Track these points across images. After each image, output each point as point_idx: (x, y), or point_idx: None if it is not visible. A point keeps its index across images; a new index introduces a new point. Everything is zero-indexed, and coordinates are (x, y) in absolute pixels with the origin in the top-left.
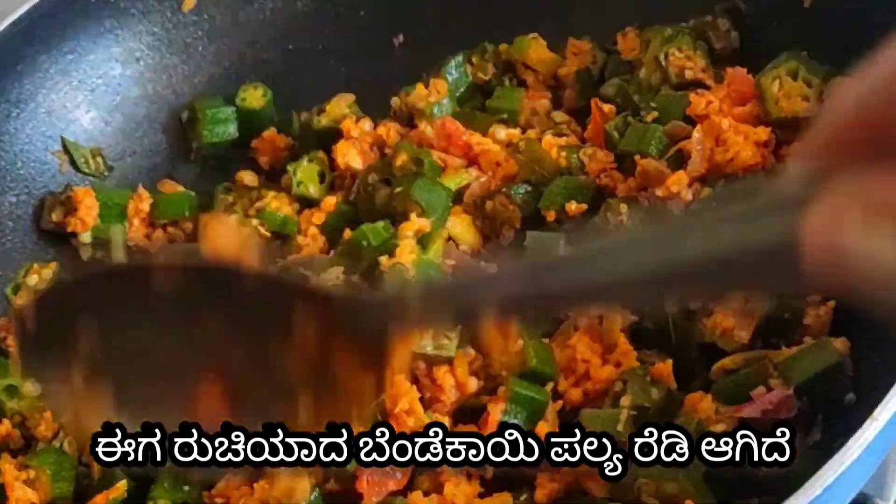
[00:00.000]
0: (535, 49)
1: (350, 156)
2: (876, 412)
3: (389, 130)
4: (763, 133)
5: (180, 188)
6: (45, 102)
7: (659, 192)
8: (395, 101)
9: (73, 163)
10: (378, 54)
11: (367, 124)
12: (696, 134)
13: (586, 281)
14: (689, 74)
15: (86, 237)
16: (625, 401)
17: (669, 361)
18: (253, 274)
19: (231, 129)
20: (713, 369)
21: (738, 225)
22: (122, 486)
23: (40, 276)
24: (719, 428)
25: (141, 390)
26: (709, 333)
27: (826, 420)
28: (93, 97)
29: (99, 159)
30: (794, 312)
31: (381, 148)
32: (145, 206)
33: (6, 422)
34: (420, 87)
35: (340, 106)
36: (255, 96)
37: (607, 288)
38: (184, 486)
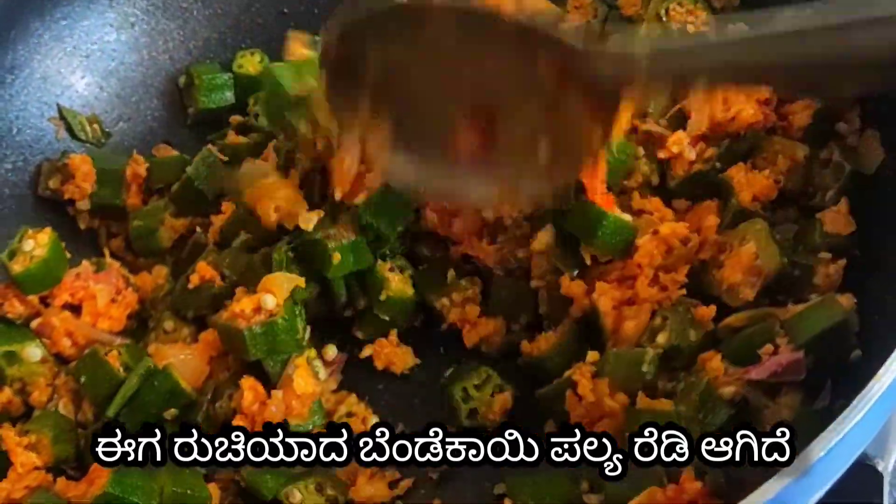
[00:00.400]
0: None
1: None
2: (880, 373)
3: None
4: (765, 91)
5: (175, 152)
6: (39, 69)
7: (661, 154)
8: None
9: (69, 130)
10: None
11: None
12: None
13: (783, 57)
14: (691, 29)
15: (83, 204)
16: (661, 338)
17: (713, 306)
18: (508, 17)
19: (228, 95)
20: (720, 326)
21: None
22: None
23: (36, 240)
24: (728, 391)
25: (413, 120)
26: (716, 287)
27: (834, 385)
28: (88, 63)
29: (96, 126)
30: (804, 270)
31: None
32: (142, 172)
33: (7, 389)
34: None
35: None
36: (251, 62)
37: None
38: None
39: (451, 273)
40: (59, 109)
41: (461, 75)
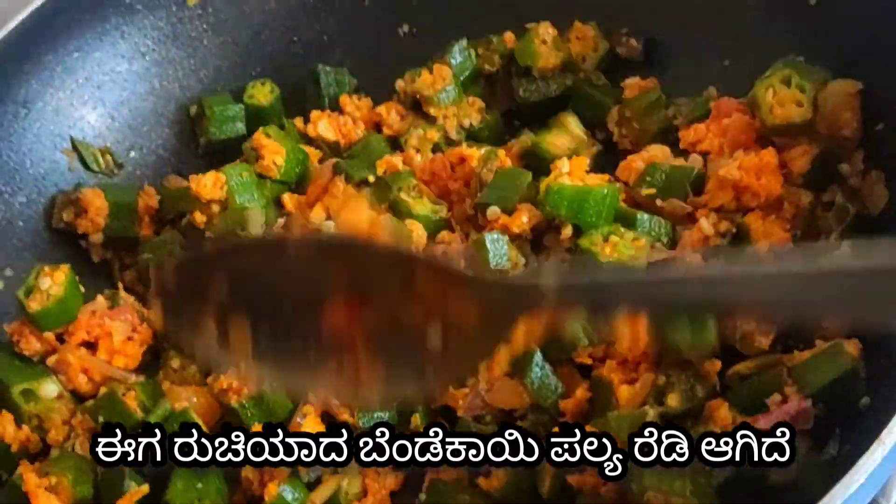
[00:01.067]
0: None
1: (322, 126)
2: (882, 435)
3: (390, 110)
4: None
5: (185, 183)
6: (52, 101)
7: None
8: (399, 84)
9: (82, 161)
10: (383, 44)
11: (367, 103)
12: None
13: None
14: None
15: (96, 238)
16: (672, 400)
17: (718, 362)
18: (388, 250)
19: (238, 126)
20: (728, 374)
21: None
22: (144, 489)
23: (52, 279)
24: None
25: (273, 342)
26: (729, 336)
27: (842, 433)
28: (99, 94)
29: (108, 157)
30: None
31: (379, 125)
32: (154, 203)
33: (25, 427)
34: (425, 73)
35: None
36: (262, 93)
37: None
38: (197, 484)
39: (415, 418)
40: (72, 141)
41: (323, 295)
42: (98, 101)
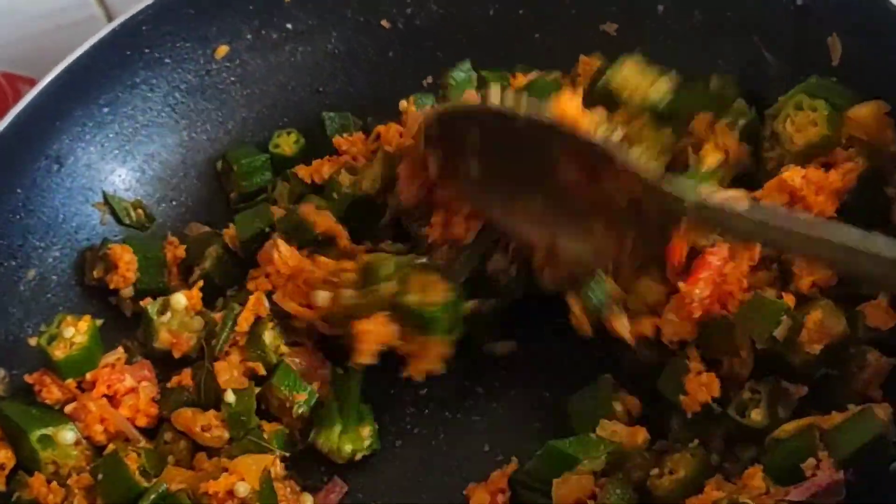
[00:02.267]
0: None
1: (326, 170)
2: None
3: (390, 129)
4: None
5: (206, 228)
6: (84, 156)
7: None
8: (402, 104)
9: (115, 215)
10: (408, 95)
11: (360, 136)
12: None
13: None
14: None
15: (127, 292)
16: (756, 415)
17: (805, 387)
18: (584, 138)
19: (266, 175)
20: (767, 440)
21: None
22: None
23: (76, 328)
24: None
25: (496, 187)
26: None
27: (871, 496)
28: (130, 147)
29: (140, 211)
30: (858, 358)
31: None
32: (181, 253)
33: (39, 475)
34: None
35: None
36: (287, 143)
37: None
38: None
39: None
40: (104, 195)
41: (536, 162)
42: (128, 155)
